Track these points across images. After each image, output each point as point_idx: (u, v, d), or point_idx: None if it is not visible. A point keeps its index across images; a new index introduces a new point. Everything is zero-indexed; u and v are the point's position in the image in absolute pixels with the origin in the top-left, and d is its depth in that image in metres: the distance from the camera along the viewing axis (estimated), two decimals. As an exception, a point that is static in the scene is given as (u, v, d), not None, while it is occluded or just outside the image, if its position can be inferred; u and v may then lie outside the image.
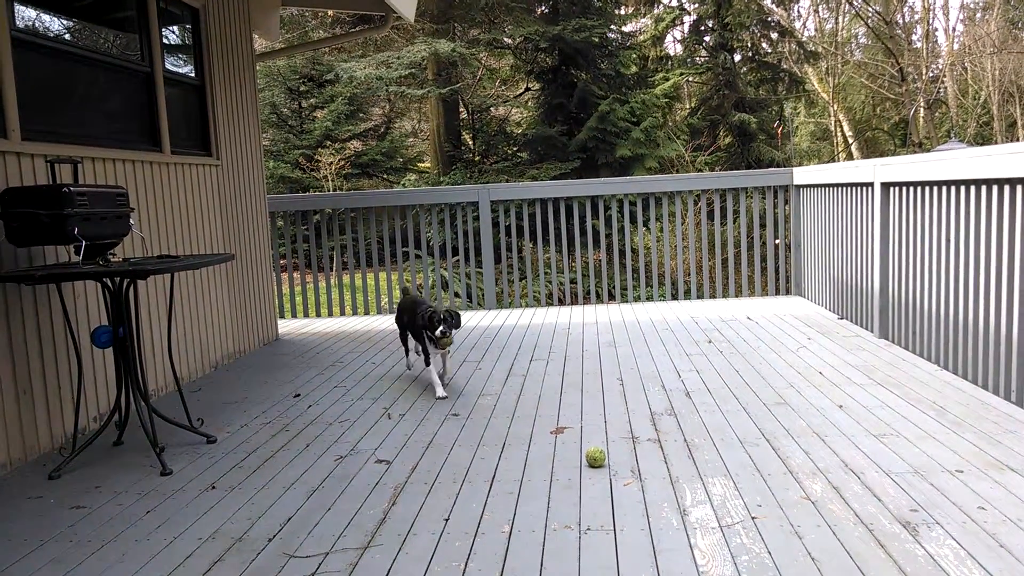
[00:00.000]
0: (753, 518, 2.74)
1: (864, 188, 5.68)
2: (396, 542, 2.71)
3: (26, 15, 4.17)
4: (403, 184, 17.20)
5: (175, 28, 5.61)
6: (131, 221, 3.96)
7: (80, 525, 3.02)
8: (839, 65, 25.49)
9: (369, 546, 2.69)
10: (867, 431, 3.58)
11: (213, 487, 3.33)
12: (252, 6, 6.57)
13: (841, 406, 3.97)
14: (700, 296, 7.90)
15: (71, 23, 4.66)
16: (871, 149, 24.56)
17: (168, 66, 5.30)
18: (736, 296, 7.85)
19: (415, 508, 3.00)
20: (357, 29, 15.17)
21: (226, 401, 4.74)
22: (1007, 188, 3.86)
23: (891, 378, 4.43)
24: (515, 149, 18.51)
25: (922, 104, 24.32)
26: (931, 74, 25.31)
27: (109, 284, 3.66)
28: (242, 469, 3.53)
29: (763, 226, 7.81)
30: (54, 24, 4.47)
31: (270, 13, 6.98)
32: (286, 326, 7.43)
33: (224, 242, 5.92)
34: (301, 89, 17.38)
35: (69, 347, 3.98)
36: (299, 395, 4.78)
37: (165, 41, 5.31)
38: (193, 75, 5.70)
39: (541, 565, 2.50)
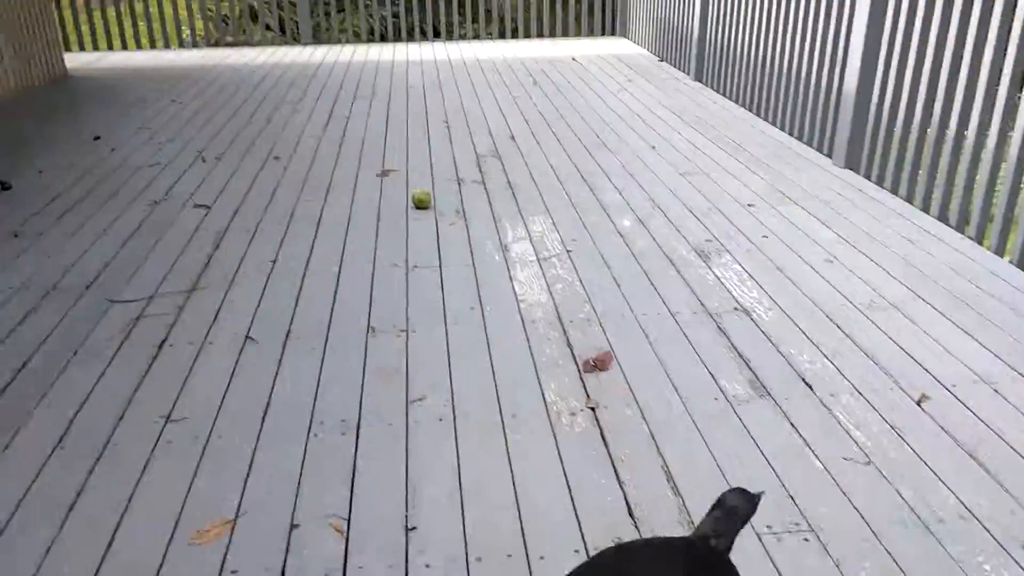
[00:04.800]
0: (568, 251, 2.95)
1: (691, -75, 5.61)
2: (223, 284, 2.72)
3: None
4: None
5: None
6: None
7: None
8: None
9: (195, 288, 2.69)
10: (675, 169, 3.84)
11: (15, 235, 3.13)
12: None
13: (654, 146, 4.19)
14: (528, 35, 7.77)
15: None
16: None
17: None
18: (563, 36, 7.79)
19: (240, 252, 2.98)
20: None
21: (15, 144, 4.33)
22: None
23: (701, 119, 4.69)
24: None
25: None
26: None
27: None
28: (46, 216, 3.32)
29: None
30: None
31: None
32: (74, 61, 6.68)
33: (-15, -42, 5.08)
34: None
35: None
36: (99, 137, 4.43)
37: None
38: None
39: (371, 299, 2.61)
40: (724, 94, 5.23)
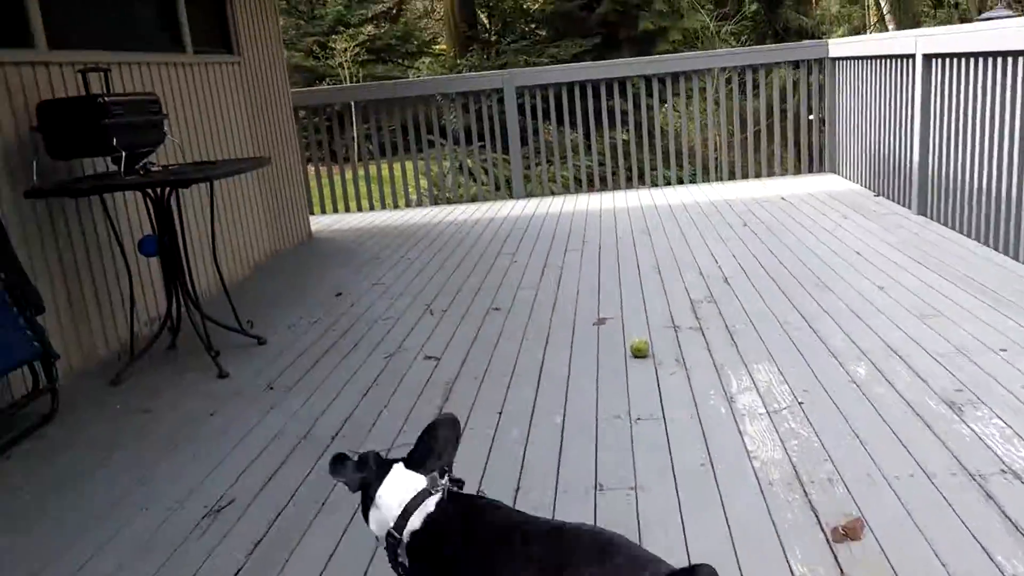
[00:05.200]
0: (800, 403, 2.81)
1: (905, 60, 5.49)
2: (454, 436, 2.81)
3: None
4: (418, 68, 16.82)
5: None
6: (165, 128, 3.94)
7: (150, 429, 3.17)
8: (871, -80, 24.05)
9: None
10: (908, 311, 3.60)
11: (271, 388, 3.45)
12: None
13: (881, 287, 3.98)
14: (732, 177, 7.79)
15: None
16: (904, 12, 23.49)
17: (182, -39, 5.13)
18: (768, 176, 7.73)
19: (468, 402, 3.10)
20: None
21: (270, 302, 4.84)
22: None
23: (930, 256, 4.41)
24: (533, 27, 17.94)
25: (959, -41, 23.01)
26: (969, -75, 23.79)
27: (151, 193, 3.68)
28: (296, 369, 3.64)
29: (796, 101, 7.60)
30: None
31: None
32: (317, 223, 7.47)
33: (252, 141, 5.89)
34: (310, -27, 16.80)
35: (116, 256, 4.04)
36: (340, 294, 4.86)
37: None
38: (208, -31, 5.53)
39: (596, 453, 2.60)
40: (953, 227, 4.91)
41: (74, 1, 4.21)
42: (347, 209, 8.13)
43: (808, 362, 3.16)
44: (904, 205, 5.68)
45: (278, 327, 4.28)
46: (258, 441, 2.94)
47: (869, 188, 6.50)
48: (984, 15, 7.07)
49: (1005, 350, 3.08)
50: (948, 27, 5.33)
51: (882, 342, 3.28)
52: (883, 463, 2.36)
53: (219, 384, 3.56)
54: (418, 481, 1.52)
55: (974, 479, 2.22)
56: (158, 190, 3.67)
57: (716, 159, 7.86)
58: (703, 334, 3.59)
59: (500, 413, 2.98)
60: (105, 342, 4.01)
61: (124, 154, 3.52)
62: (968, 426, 2.53)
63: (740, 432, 2.64)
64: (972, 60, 4.56)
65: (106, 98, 3.46)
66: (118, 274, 4.09)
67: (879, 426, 2.59)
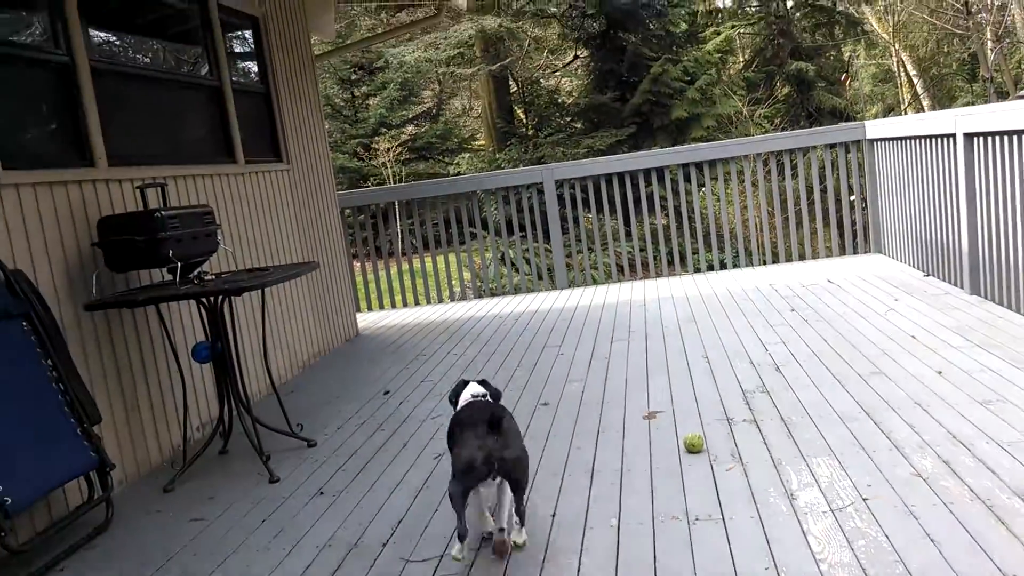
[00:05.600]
0: (864, 499, 2.71)
1: (945, 139, 5.48)
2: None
3: (100, 43, 4.29)
4: (458, 163, 17.25)
5: (238, 40, 5.70)
6: (219, 238, 4.07)
7: (201, 537, 3.16)
8: (899, 1, 24.49)
9: (482, 546, 2.75)
10: (971, 398, 3.48)
11: (321, 492, 3.44)
12: (307, 8, 6.63)
13: (940, 372, 3.87)
14: (775, 259, 7.75)
15: (142, 46, 4.78)
16: (937, 88, 23.61)
17: (235, 78, 5.40)
18: (813, 258, 7.68)
19: (520, 505, 3.04)
20: (410, 21, 15.12)
21: (319, 402, 4.87)
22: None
23: (990, 338, 4.29)
24: (568, 119, 18.39)
25: (989, 36, 23.21)
26: (998, 1, 24.08)
27: (205, 302, 3.78)
28: (346, 472, 3.63)
29: (836, 183, 7.59)
30: (127, 50, 4.59)
31: (324, 12, 7.03)
32: (363, 319, 7.56)
33: (301, 245, 6.05)
34: (353, 78, 17.53)
35: (170, 363, 4.12)
36: (388, 392, 4.87)
37: (229, 50, 5.40)
38: (258, 83, 5.80)
39: (655, 559, 2.52)
40: (1010, 307, 4.79)
41: (133, 121, 4.44)
42: (392, 304, 8.24)
43: (869, 454, 3.06)
44: (956, 285, 5.57)
45: (328, 428, 4.29)
46: (309, 551, 2.91)
47: (918, 268, 6.40)
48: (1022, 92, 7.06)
49: (1078, 437, 2.96)
50: (987, 106, 5.32)
51: (945, 431, 3.18)
52: (958, 565, 2.25)
53: (270, 489, 3.55)
54: (479, 389, 2.98)
55: (1059, 581, 2.10)
56: (212, 298, 3.76)
57: (758, 241, 7.83)
58: (758, 426, 3.51)
59: (553, 516, 2.92)
60: (158, 448, 4.05)
61: (179, 265, 3.63)
62: (1047, 522, 2.41)
63: (804, 532, 2.55)
64: (1016, 137, 4.54)
65: (162, 212, 3.60)
66: (172, 381, 4.17)
67: (950, 523, 2.48)
